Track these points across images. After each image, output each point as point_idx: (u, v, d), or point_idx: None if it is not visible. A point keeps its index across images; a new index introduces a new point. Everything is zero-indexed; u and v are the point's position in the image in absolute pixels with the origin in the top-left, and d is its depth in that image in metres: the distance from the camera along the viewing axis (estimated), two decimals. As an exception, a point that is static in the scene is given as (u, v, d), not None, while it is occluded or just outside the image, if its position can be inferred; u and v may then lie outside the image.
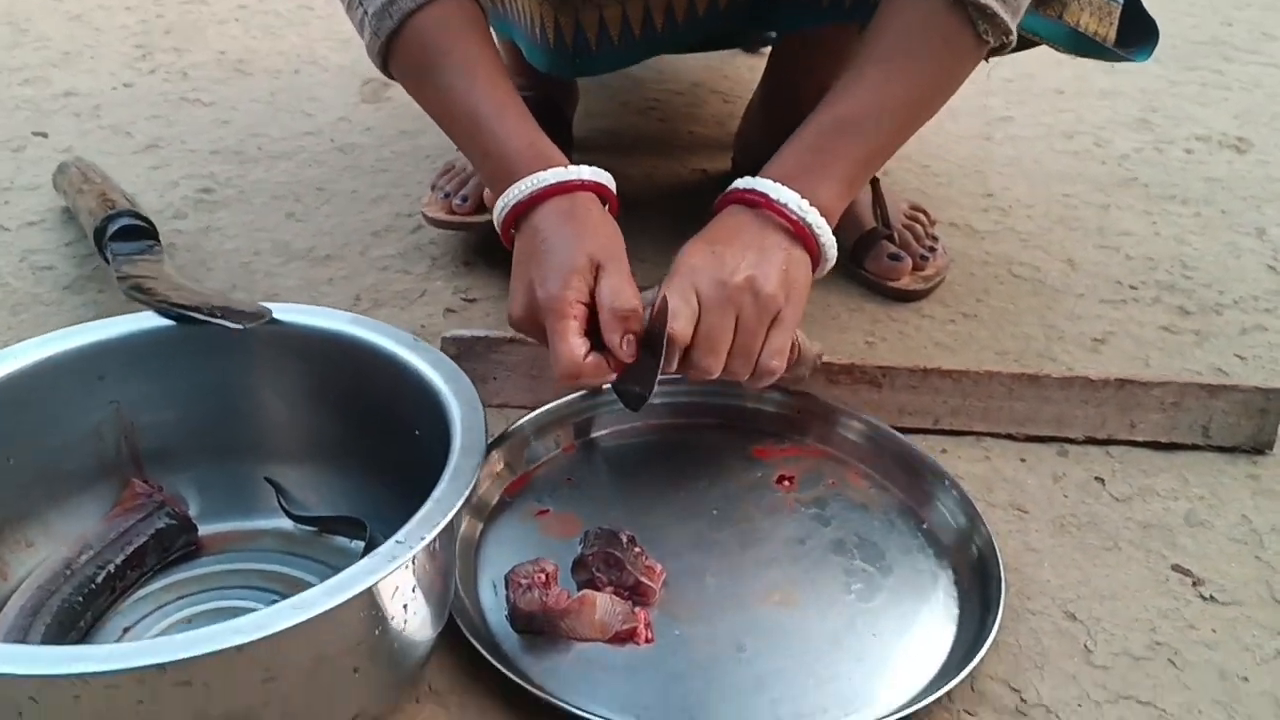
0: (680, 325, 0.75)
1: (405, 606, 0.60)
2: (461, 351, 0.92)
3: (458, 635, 0.70)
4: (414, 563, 0.59)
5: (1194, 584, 0.81)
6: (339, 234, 1.21)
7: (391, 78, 0.89)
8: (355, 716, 0.61)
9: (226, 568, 0.76)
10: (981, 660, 0.70)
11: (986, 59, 0.88)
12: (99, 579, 0.72)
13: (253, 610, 0.54)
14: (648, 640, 0.72)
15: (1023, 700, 0.71)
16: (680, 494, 0.85)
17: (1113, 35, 1.00)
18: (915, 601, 0.77)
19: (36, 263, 1.13)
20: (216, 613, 0.72)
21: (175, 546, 0.76)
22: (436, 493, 0.61)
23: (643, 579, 0.74)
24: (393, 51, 0.86)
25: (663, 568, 0.77)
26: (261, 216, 1.24)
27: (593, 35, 1.01)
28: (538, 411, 0.89)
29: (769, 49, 1.36)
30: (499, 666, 0.68)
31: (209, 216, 1.24)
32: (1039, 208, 1.34)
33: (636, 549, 0.76)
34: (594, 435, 0.91)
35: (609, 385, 0.79)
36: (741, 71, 1.68)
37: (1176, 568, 0.82)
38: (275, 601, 0.55)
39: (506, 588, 0.73)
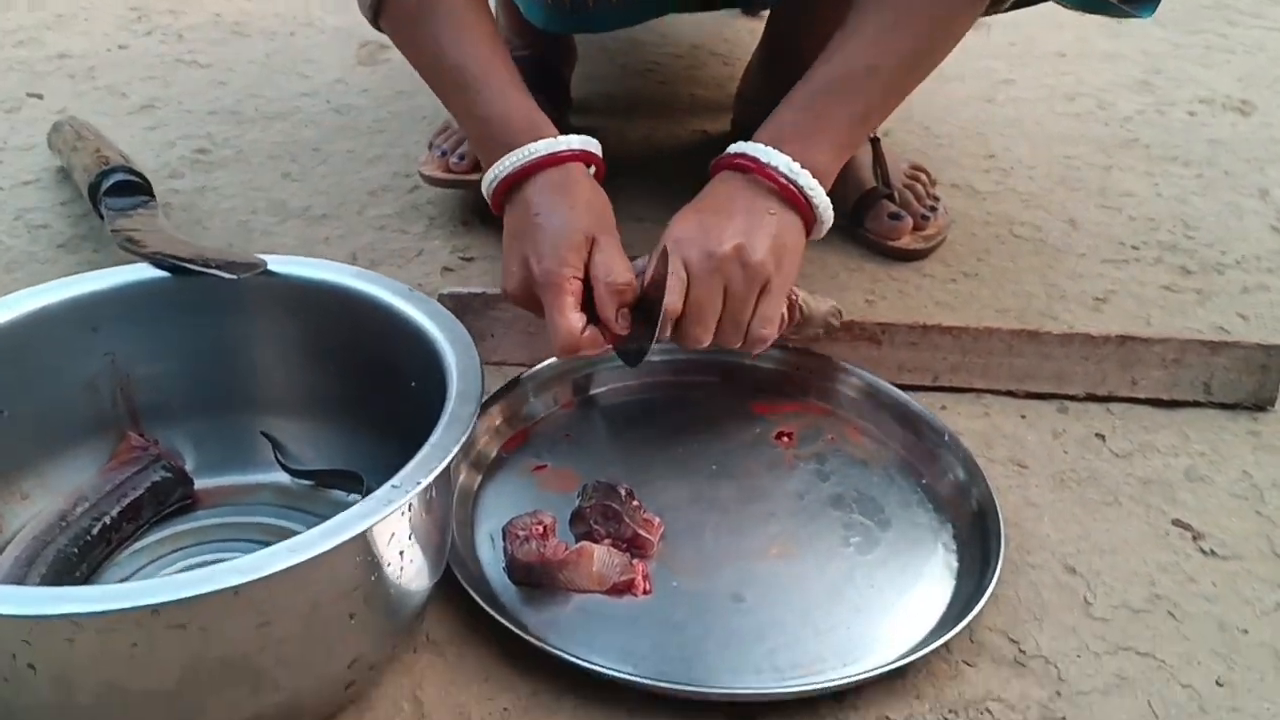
0: (671, 298, 0.75)
1: (401, 553, 0.59)
2: (458, 308, 0.91)
3: (455, 587, 0.70)
4: (410, 508, 0.58)
5: (1194, 538, 0.80)
6: (335, 194, 1.20)
7: (382, 31, 0.88)
8: (352, 664, 0.61)
9: (223, 521, 0.76)
10: (980, 612, 0.70)
11: (987, 13, 0.87)
12: (94, 531, 0.71)
13: (249, 562, 0.53)
14: (646, 592, 0.72)
15: (1021, 651, 0.71)
16: (679, 450, 0.85)
17: (1116, -11, 0.99)
18: (914, 555, 0.77)
19: (31, 221, 1.13)
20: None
21: (171, 500, 0.76)
22: (433, 439, 0.61)
23: (640, 531, 0.74)
24: (384, 5, 0.85)
25: (661, 521, 0.76)
26: (258, 176, 1.23)
27: (590, -10, 1.00)
28: (536, 368, 0.89)
29: (767, 11, 1.35)
30: (496, 616, 0.68)
31: (205, 176, 1.23)
32: (1041, 169, 1.33)
33: (634, 502, 0.75)
34: (593, 392, 0.91)
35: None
36: (741, 34, 1.67)
37: (1177, 522, 0.82)
38: (272, 554, 0.55)
39: (504, 540, 0.73)
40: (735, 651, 0.68)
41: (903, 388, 0.89)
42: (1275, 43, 1.80)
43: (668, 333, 0.77)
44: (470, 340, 0.70)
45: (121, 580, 0.71)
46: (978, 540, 0.77)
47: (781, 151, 0.79)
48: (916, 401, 0.88)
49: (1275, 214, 1.25)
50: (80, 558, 0.70)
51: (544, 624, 0.70)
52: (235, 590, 0.51)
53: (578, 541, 0.74)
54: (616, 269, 0.76)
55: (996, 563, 0.73)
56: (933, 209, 1.14)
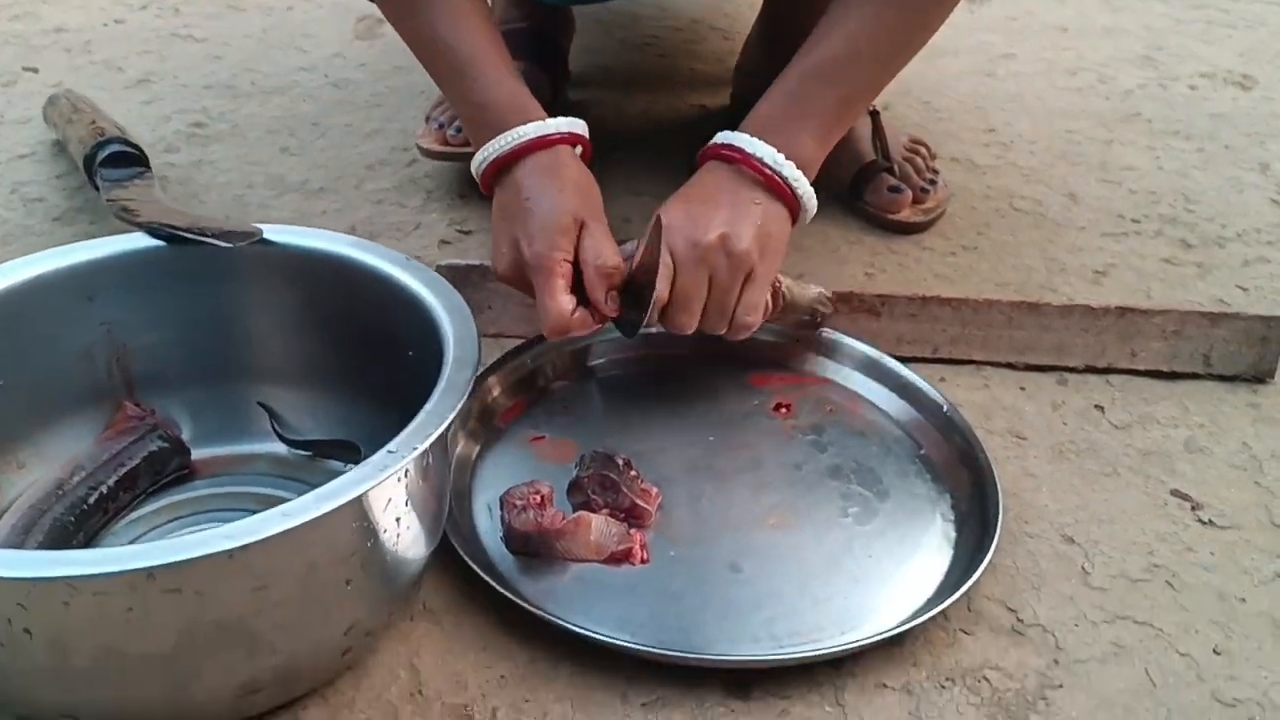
0: (659, 286, 0.76)
1: (398, 520, 0.59)
2: (456, 280, 0.89)
3: (452, 556, 0.70)
4: (406, 474, 0.58)
5: (1193, 508, 0.80)
6: (333, 167, 1.20)
7: (375, 2, 0.88)
8: (348, 630, 0.61)
9: (219, 491, 0.76)
10: (978, 581, 0.70)
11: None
12: (91, 500, 0.71)
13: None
14: (643, 561, 0.72)
15: (1019, 620, 0.71)
16: (677, 421, 0.85)
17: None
18: (912, 525, 0.76)
19: (27, 194, 1.12)
20: (210, 534, 0.72)
21: (168, 469, 0.76)
22: (429, 405, 0.61)
23: (638, 501, 0.74)
24: None
25: (659, 491, 0.76)
26: (255, 150, 1.23)
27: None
28: (534, 340, 0.88)
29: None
30: (494, 584, 0.68)
31: (202, 150, 1.22)
32: (1041, 143, 1.32)
33: (632, 472, 0.75)
34: (591, 364, 0.91)
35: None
36: (741, 8, 1.65)
37: (1175, 493, 0.82)
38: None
39: (501, 509, 0.72)
40: (733, 621, 0.68)
41: (902, 360, 0.89)
42: (1276, 17, 1.78)
43: (654, 320, 0.78)
44: (467, 309, 0.70)
45: (118, 549, 0.71)
46: (975, 511, 0.77)
47: (766, 142, 0.80)
48: (916, 373, 0.87)
49: (1275, 188, 1.24)
50: (77, 526, 0.70)
51: (541, 593, 0.70)
52: (230, 554, 0.51)
53: (575, 511, 0.74)
54: (606, 253, 0.77)
55: (995, 533, 0.73)
56: (932, 182, 1.14)
